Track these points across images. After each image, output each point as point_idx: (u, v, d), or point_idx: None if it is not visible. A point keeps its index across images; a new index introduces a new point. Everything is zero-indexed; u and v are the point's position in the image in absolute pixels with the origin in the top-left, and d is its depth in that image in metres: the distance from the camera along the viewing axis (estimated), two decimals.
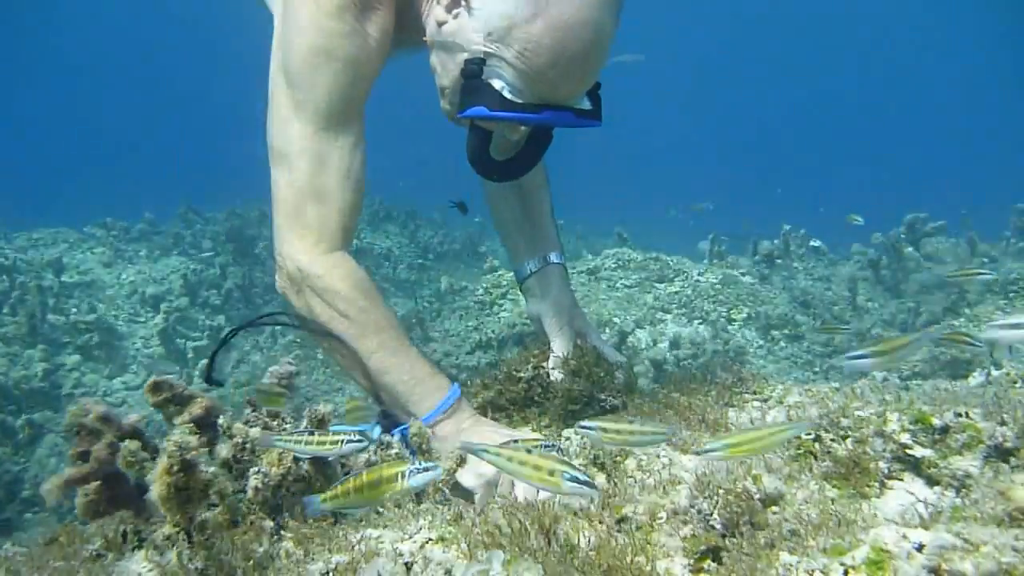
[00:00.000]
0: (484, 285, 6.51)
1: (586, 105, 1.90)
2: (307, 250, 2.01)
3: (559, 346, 2.37)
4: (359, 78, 2.03)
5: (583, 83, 1.87)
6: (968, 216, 6.91)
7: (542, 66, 1.77)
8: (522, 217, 2.61)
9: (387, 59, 2.17)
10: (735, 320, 5.71)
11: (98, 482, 1.59)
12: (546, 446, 1.66)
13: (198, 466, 1.42)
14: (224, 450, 1.65)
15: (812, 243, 7.56)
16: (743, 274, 6.71)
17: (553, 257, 2.54)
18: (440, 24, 1.94)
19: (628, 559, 1.28)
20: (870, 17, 36.28)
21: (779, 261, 7.13)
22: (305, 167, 2.00)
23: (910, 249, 6.74)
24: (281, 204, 2.04)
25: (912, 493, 1.54)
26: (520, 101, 1.83)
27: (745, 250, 7.43)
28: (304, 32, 1.97)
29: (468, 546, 1.37)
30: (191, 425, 1.61)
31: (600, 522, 1.45)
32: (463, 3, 1.86)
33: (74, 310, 6.49)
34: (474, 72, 1.84)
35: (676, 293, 5.97)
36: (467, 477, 1.77)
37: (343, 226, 2.05)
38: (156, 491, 1.43)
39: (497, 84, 1.82)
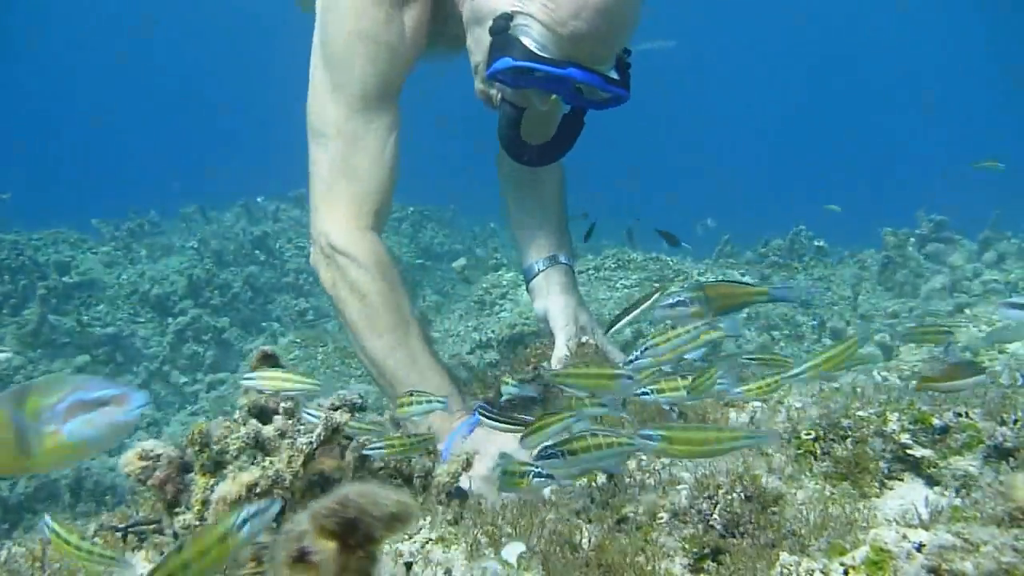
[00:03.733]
0: (484, 285, 6.50)
1: (614, 75, 1.92)
2: (338, 226, 2.06)
3: (562, 343, 2.37)
4: (395, 63, 2.09)
5: (608, 43, 1.89)
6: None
7: (565, 17, 1.81)
8: (534, 217, 2.62)
9: (424, 54, 2.22)
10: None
11: (162, 451, 1.58)
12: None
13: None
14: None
15: (816, 243, 7.54)
16: (743, 274, 6.71)
17: (562, 258, 2.55)
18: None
19: (628, 559, 1.28)
20: (871, 19, 36.30)
21: (781, 261, 7.12)
22: (340, 146, 2.07)
23: (910, 248, 6.73)
24: (316, 181, 2.12)
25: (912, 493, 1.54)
26: (546, 55, 1.85)
27: (753, 246, 7.47)
28: (344, 17, 2.05)
29: (470, 546, 1.37)
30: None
31: (600, 522, 1.45)
32: None
33: (86, 317, 6.47)
34: (501, 27, 1.89)
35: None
36: (475, 481, 1.77)
37: (375, 205, 2.10)
38: (225, 490, 1.44)
39: (523, 39, 1.86)
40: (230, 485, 1.45)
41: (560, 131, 2.18)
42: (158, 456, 1.56)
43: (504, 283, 6.34)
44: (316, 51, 2.14)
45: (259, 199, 9.46)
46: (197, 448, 1.53)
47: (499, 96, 2.09)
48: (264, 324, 7.18)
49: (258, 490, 1.44)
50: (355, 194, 2.07)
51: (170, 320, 6.71)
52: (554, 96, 1.99)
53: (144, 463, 1.55)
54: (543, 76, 1.89)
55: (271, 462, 1.54)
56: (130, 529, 1.65)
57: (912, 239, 6.83)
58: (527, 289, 2.66)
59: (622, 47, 1.95)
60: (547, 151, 2.21)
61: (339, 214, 2.07)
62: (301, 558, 0.79)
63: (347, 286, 2.03)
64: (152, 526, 1.65)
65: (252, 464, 1.54)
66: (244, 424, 1.59)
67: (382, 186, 2.11)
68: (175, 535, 1.53)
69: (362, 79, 2.05)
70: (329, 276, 2.08)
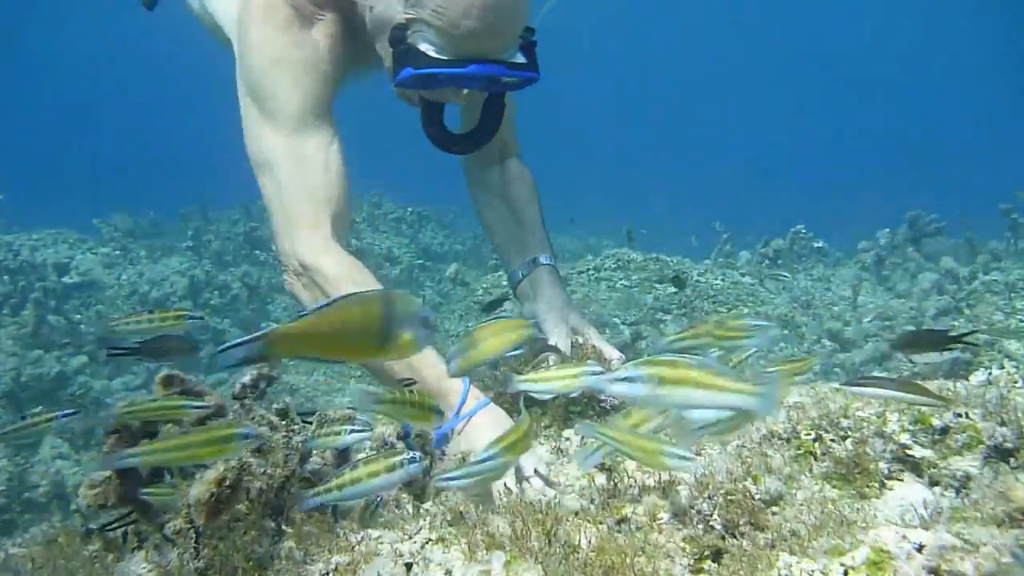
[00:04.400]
0: (484, 285, 6.51)
1: (519, 59, 1.96)
2: (305, 246, 2.09)
3: (557, 345, 2.37)
4: (318, 79, 2.16)
5: (504, 33, 1.93)
6: (966, 217, 6.86)
7: (456, 18, 1.85)
8: (509, 222, 2.64)
9: (348, 68, 2.29)
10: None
11: (109, 473, 1.59)
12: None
13: (247, 488, 1.45)
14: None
15: (815, 244, 7.55)
16: (743, 274, 6.71)
17: (542, 259, 2.55)
18: (371, 9, 2.06)
19: (628, 560, 1.28)
20: (865, 16, 36.35)
21: (780, 262, 7.13)
22: (287, 169, 2.11)
23: (911, 249, 6.74)
24: (273, 207, 2.16)
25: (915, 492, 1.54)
26: (445, 58, 1.90)
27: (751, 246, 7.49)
28: (258, 47, 2.12)
29: (468, 547, 1.37)
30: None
31: (600, 523, 1.45)
32: None
33: (78, 316, 6.47)
34: (399, 38, 1.95)
35: (676, 294, 5.97)
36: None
37: (333, 217, 2.13)
38: (197, 492, 1.43)
39: (422, 45, 1.91)
40: (200, 487, 1.45)
41: (484, 116, 2.23)
42: (108, 478, 1.58)
43: (504, 283, 6.34)
44: (240, 85, 2.20)
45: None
46: None
47: (418, 96, 2.15)
48: (263, 324, 7.18)
49: (227, 483, 1.44)
50: (312, 212, 2.11)
51: None
52: (466, 90, 2.05)
53: (96, 490, 1.57)
54: (447, 78, 1.94)
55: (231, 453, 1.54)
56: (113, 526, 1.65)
57: (908, 238, 6.84)
58: (515, 296, 2.66)
59: (521, 30, 1.98)
60: (474, 137, 2.27)
61: (303, 234, 2.10)
62: None
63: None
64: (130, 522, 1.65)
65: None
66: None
67: (335, 197, 2.15)
68: (167, 539, 1.53)
69: (291, 102, 2.11)
70: (308, 296, 2.10)
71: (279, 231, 2.14)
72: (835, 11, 36.21)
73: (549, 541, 1.35)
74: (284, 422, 1.69)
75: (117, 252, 8.18)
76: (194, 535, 1.47)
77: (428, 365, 1.92)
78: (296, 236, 2.10)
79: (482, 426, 1.87)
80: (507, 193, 2.65)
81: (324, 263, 2.06)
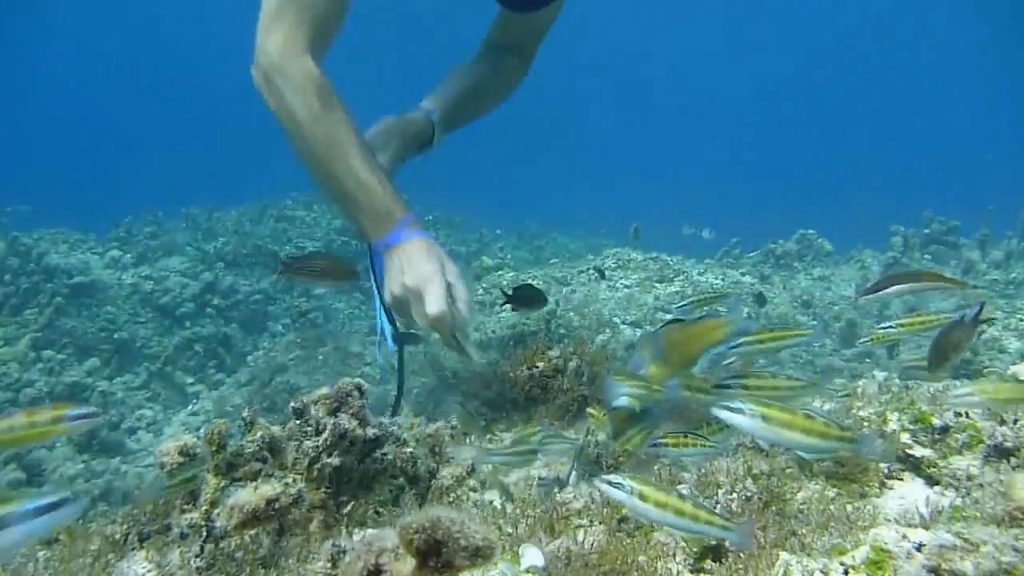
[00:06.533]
0: (484, 285, 6.50)
1: None
2: (281, 47, 2.10)
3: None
4: None
5: None
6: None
7: None
8: (464, 88, 2.65)
9: None
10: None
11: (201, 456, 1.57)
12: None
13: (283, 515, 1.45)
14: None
15: (819, 243, 7.54)
16: (743, 274, 6.71)
17: (430, 112, 2.55)
18: None
19: (629, 559, 1.28)
20: (875, 19, 36.28)
21: (782, 261, 7.13)
22: None
23: (917, 253, 6.74)
24: (267, 2, 2.15)
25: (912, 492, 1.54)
26: None
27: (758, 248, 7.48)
28: None
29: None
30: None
31: (601, 522, 1.45)
32: None
33: (85, 315, 6.47)
34: None
35: (676, 293, 5.96)
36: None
37: (319, 33, 2.14)
38: (244, 498, 1.43)
39: None
40: (250, 495, 1.45)
41: None
42: (195, 455, 1.56)
43: (504, 283, 6.34)
44: None
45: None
46: (214, 448, 1.53)
47: None
48: (268, 323, 7.19)
49: (277, 505, 1.43)
50: (302, 18, 2.11)
51: (170, 321, 6.71)
52: None
53: (182, 459, 1.55)
54: None
55: (294, 479, 1.54)
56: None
57: (917, 240, 6.83)
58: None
59: None
60: None
61: (281, 36, 2.11)
62: (376, 573, 0.79)
63: (289, 105, 2.09)
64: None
65: (271, 476, 1.53)
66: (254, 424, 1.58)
67: (329, 14, 2.16)
68: (182, 535, 1.53)
69: None
70: (273, 96, 2.12)
71: (263, 25, 2.14)
72: (845, 10, 36.15)
73: (552, 540, 1.36)
74: (299, 423, 1.68)
75: (121, 251, 8.17)
76: (204, 532, 1.48)
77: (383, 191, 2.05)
78: (274, 32, 2.10)
79: (417, 250, 1.97)
80: (487, 78, 2.69)
81: (294, 69, 2.08)
